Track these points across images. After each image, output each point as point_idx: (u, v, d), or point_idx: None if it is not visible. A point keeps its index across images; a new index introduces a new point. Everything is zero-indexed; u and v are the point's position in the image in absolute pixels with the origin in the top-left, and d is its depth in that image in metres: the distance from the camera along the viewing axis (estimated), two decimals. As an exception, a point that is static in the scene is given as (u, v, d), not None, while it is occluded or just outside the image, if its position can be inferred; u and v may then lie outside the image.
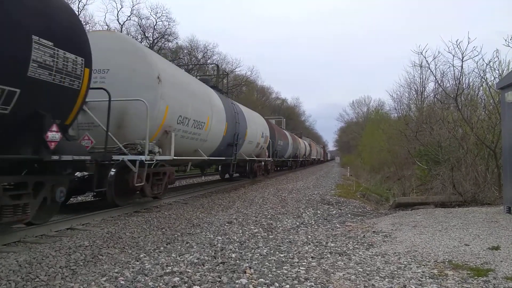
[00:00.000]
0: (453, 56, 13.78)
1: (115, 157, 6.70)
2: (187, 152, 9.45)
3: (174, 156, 7.92)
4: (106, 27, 30.33)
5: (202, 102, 9.98)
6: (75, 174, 6.29)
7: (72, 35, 4.97)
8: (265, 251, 4.79)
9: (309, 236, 5.82)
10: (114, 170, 6.79)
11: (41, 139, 4.47)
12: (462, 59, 12.45)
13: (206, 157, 10.31)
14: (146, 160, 6.87)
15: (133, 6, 32.51)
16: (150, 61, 7.46)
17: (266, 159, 18.72)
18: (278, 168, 27.76)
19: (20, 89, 4.13)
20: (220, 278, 3.63)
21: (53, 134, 4.58)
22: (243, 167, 16.06)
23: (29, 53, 4.16)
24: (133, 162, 6.77)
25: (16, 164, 4.77)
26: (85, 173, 6.61)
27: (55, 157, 4.66)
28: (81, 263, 4.00)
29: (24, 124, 4.40)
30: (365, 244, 5.25)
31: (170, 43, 35.58)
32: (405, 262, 4.28)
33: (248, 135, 14.51)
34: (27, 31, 4.15)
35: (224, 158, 12.56)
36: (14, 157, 4.46)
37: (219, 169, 17.11)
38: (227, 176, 17.15)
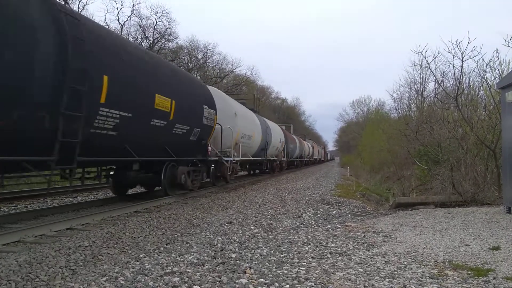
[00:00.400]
0: (453, 56, 13.76)
1: (213, 158, 11.83)
2: (244, 155, 14.77)
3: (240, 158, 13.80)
4: (106, 27, 30.27)
5: (252, 122, 15.98)
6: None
7: (211, 100, 10.98)
8: (265, 251, 4.78)
9: (309, 236, 5.82)
10: (213, 166, 12.30)
11: (205, 150, 10.93)
12: (462, 59, 12.46)
13: (252, 158, 16.52)
14: (232, 160, 12.76)
15: (133, 6, 32.51)
16: (230, 104, 13.43)
17: (282, 159, 24.32)
18: (291, 167, 32.37)
19: (200, 129, 9.97)
20: (220, 278, 3.63)
21: (208, 148, 11.16)
22: (265, 165, 20.84)
23: (202, 113, 10.05)
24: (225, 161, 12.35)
25: (192, 161, 10.52)
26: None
27: (209, 158, 11.22)
28: (81, 263, 4.00)
29: (199, 144, 10.33)
30: (365, 244, 5.24)
31: (170, 43, 35.57)
32: (405, 262, 4.28)
33: (272, 142, 20.06)
34: (203, 103, 10.23)
35: (259, 158, 18.31)
36: (197, 158, 10.62)
37: (247, 166, 19.80)
38: (251, 172, 22.10)
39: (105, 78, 5.93)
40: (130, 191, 10.38)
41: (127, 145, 7.00)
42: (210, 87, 12.59)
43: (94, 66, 5.74)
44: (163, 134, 8.22)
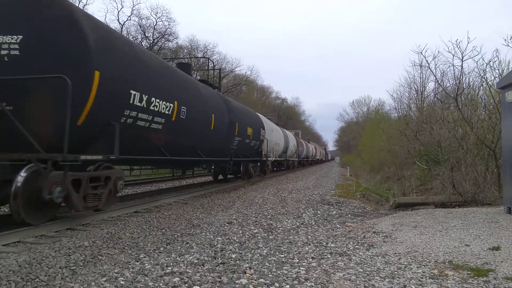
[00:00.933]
0: (453, 55, 13.76)
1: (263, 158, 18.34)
2: (275, 157, 22.10)
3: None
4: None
5: (278, 134, 23.02)
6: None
7: (263, 124, 17.65)
8: (265, 251, 4.78)
9: (309, 237, 5.82)
10: (251, 164, 16.90)
11: (261, 154, 17.83)
12: (462, 58, 12.47)
13: (278, 159, 23.95)
14: (271, 160, 19.87)
15: (133, 6, 32.54)
16: (268, 123, 19.91)
17: (294, 159, 32.09)
18: (299, 165, 38.79)
19: (259, 142, 16.93)
20: (220, 278, 3.63)
21: (262, 153, 18.15)
22: (282, 164, 28.04)
23: (260, 133, 16.87)
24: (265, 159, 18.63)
25: (255, 160, 17.47)
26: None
27: (262, 159, 18.12)
28: (81, 264, 4.00)
29: (258, 150, 17.33)
30: (366, 245, 5.24)
31: (170, 43, 35.60)
32: (405, 263, 4.28)
33: (289, 147, 27.24)
34: (260, 126, 17.27)
35: (282, 159, 25.61)
36: (258, 159, 17.63)
37: (275, 164, 25.85)
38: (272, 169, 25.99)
39: (236, 124, 12.87)
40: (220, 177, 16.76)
41: (239, 153, 14.19)
42: (258, 114, 18.99)
43: (237, 119, 13.00)
44: (248, 147, 15.19)
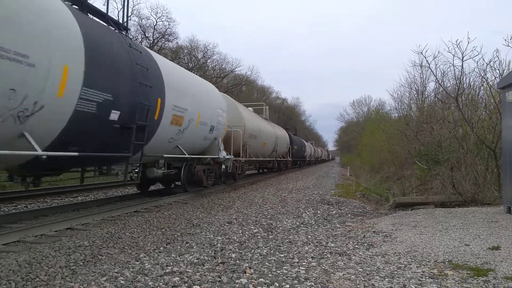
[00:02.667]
0: (453, 56, 13.78)
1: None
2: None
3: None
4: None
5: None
6: None
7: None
8: (265, 251, 4.78)
9: (309, 236, 5.82)
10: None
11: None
12: (462, 58, 12.44)
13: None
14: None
15: (133, 6, 32.41)
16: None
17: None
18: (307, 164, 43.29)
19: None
20: (220, 278, 3.63)
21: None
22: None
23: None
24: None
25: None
26: None
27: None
28: (81, 263, 4.00)
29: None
30: (365, 244, 5.24)
31: (170, 43, 35.54)
32: (405, 262, 4.28)
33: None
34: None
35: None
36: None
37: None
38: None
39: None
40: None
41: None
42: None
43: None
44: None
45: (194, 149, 9.97)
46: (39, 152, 4.56)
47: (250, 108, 17.78)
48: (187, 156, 9.30)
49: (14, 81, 4.18)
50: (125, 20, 7.40)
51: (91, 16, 6.38)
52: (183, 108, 8.48)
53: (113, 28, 6.90)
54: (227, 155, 11.64)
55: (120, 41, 6.62)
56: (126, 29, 7.37)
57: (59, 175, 7.29)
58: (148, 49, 8.23)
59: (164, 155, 8.37)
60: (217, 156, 11.02)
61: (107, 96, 5.73)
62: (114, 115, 6.02)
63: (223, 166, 11.69)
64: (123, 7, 7.78)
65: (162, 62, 8.21)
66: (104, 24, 6.73)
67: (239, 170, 14.16)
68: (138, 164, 7.44)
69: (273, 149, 20.30)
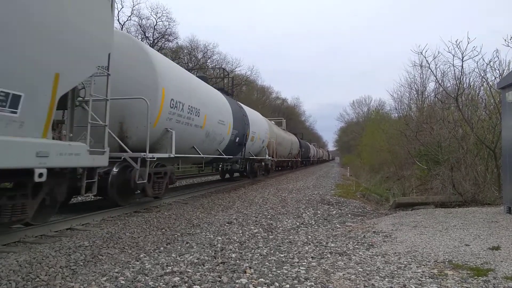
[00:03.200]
0: (453, 56, 13.80)
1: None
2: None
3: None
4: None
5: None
6: None
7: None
8: (265, 251, 4.79)
9: (309, 236, 5.82)
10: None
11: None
12: (462, 59, 12.47)
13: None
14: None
15: (133, 6, 32.48)
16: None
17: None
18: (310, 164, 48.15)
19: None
20: (220, 278, 3.63)
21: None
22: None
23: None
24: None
25: None
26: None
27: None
28: (81, 263, 4.00)
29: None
30: (365, 244, 5.24)
31: (170, 43, 35.55)
32: (405, 262, 4.28)
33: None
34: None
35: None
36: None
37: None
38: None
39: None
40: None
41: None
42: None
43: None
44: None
45: (255, 153, 17.03)
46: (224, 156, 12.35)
47: (273, 122, 24.90)
48: (254, 157, 16.71)
49: (222, 132, 11.45)
50: (229, 91, 16.09)
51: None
52: (254, 132, 15.85)
53: (227, 95, 13.98)
54: (268, 156, 18.75)
55: (236, 103, 14.44)
56: (232, 94, 16.77)
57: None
58: (239, 102, 15.42)
59: (245, 157, 15.32)
60: (264, 157, 18.34)
61: (236, 131, 13.04)
62: (238, 139, 13.36)
63: (264, 164, 18.86)
64: (229, 83, 19.38)
65: (246, 109, 15.82)
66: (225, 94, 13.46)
67: (273, 167, 22.24)
68: (242, 161, 15.45)
69: (289, 152, 28.25)
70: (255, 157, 16.82)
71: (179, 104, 8.32)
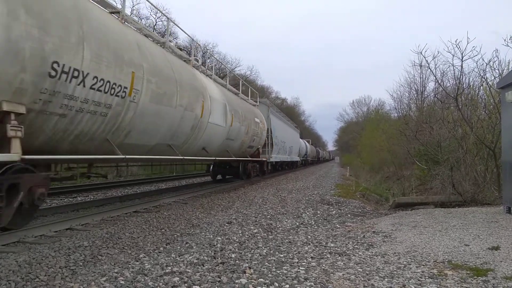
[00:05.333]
0: (453, 56, 13.72)
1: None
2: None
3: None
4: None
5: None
6: None
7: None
8: (264, 251, 4.79)
9: (309, 236, 5.82)
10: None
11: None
12: (462, 58, 12.42)
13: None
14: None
15: (133, 6, 32.42)
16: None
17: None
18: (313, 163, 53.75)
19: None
20: (220, 278, 3.63)
21: None
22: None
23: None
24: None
25: None
26: None
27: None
28: (81, 263, 4.00)
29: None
30: (365, 244, 5.24)
31: (170, 43, 35.58)
32: (404, 262, 4.28)
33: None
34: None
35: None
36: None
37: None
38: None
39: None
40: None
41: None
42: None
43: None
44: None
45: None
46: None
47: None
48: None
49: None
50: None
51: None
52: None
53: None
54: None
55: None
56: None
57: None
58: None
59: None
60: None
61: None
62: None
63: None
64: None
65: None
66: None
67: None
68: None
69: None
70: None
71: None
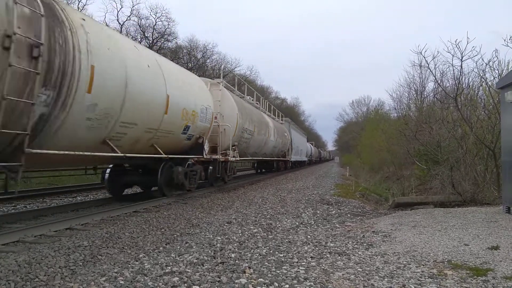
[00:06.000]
0: (453, 56, 13.71)
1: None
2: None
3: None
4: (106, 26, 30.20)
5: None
6: None
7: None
8: (264, 251, 4.79)
9: (309, 236, 5.82)
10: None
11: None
12: (462, 59, 12.41)
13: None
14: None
15: (133, 6, 32.40)
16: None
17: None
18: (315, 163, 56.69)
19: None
20: (220, 278, 3.63)
21: None
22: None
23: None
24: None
25: None
26: None
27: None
28: (81, 263, 4.00)
29: None
30: (365, 244, 5.24)
31: (169, 43, 35.56)
32: (404, 262, 4.28)
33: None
34: None
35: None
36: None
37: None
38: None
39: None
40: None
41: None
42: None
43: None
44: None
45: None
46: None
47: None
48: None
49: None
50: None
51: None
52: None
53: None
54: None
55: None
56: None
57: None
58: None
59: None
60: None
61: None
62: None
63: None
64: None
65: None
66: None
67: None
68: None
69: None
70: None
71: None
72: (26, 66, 4.53)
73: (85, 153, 5.87)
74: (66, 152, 5.49)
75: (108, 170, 9.02)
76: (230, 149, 12.66)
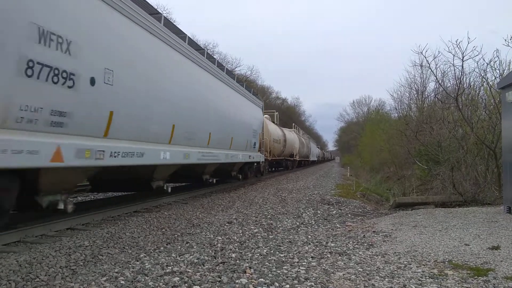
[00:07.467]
0: (454, 55, 13.70)
1: None
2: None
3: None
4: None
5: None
6: None
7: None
8: (265, 251, 4.79)
9: (309, 236, 5.82)
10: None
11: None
12: (463, 58, 12.41)
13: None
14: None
15: (133, 6, 32.43)
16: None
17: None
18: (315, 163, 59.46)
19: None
20: (220, 278, 3.63)
21: None
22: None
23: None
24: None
25: None
26: None
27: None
28: (81, 263, 4.00)
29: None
30: (365, 244, 5.24)
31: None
32: (405, 262, 4.28)
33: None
34: None
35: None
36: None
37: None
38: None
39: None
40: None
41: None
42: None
43: None
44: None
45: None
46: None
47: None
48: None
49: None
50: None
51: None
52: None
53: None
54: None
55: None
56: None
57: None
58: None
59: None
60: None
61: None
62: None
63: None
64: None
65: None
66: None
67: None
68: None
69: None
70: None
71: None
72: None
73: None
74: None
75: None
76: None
